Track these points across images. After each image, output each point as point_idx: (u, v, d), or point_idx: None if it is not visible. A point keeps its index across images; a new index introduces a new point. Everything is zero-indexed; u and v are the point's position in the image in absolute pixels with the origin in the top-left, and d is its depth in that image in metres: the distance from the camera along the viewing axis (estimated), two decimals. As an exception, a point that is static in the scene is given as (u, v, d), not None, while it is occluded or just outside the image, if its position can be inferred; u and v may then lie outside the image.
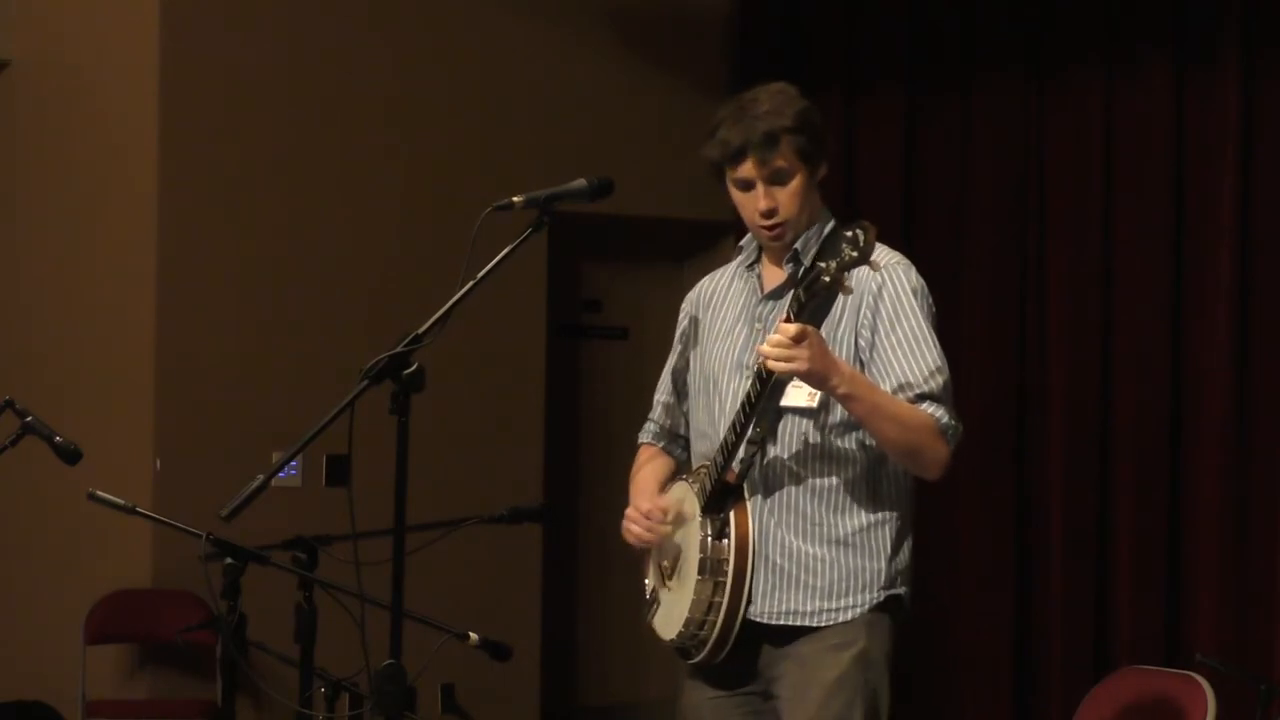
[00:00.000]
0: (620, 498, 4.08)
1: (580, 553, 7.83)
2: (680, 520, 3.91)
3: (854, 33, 7.57)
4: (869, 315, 3.78)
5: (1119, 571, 6.75)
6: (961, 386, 6.89)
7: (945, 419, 3.75)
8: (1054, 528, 6.89)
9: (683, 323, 4.09)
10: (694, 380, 4.01)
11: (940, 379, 3.76)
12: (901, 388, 3.74)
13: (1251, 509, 6.45)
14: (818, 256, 3.66)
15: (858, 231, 3.47)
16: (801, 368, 3.57)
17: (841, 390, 3.64)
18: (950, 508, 7.03)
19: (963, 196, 7.27)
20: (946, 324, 6.80)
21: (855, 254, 3.46)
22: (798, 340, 3.55)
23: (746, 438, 3.76)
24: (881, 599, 3.82)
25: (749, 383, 3.73)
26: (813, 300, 3.55)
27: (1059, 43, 7.05)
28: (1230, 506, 6.47)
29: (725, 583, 3.78)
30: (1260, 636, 6.35)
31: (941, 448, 3.75)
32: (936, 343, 3.79)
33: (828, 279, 3.47)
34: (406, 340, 3.44)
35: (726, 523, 3.80)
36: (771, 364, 3.59)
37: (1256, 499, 6.45)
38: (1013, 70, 7.14)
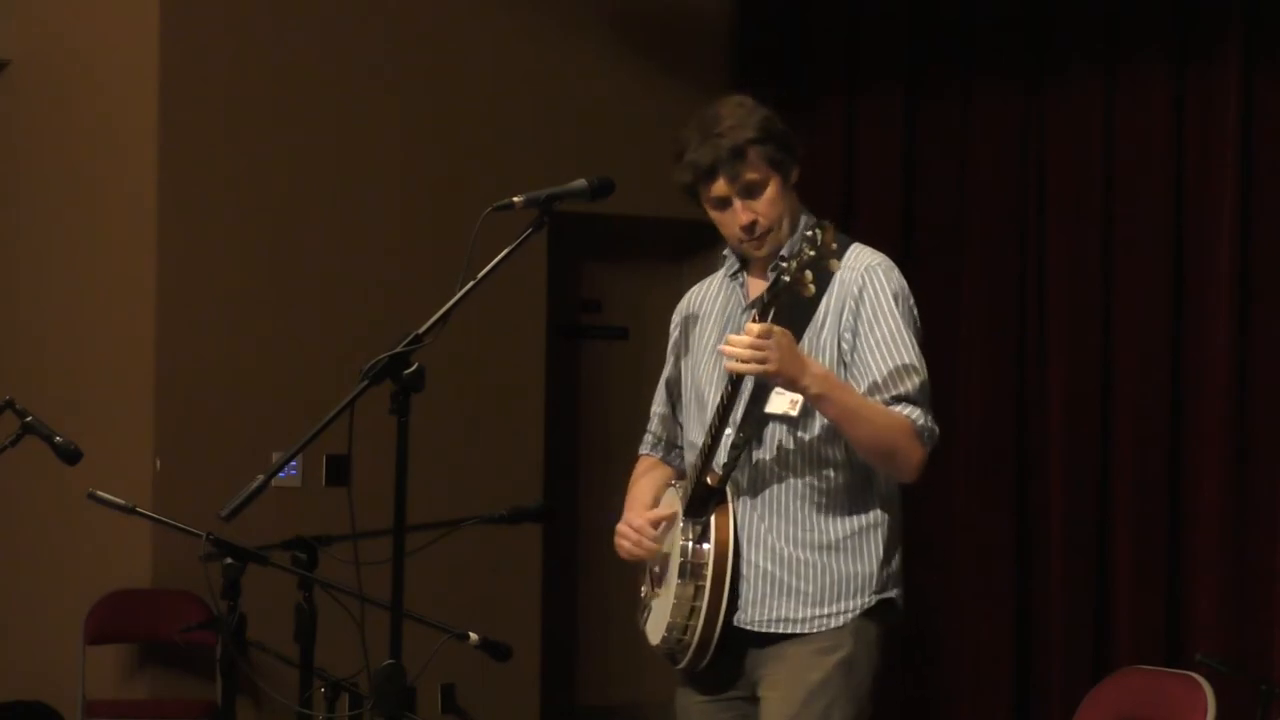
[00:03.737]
0: (620, 497, 4.09)
1: (580, 553, 7.82)
2: (671, 528, 3.91)
3: (854, 33, 7.56)
4: (850, 318, 3.77)
5: (1119, 571, 6.74)
6: (961, 387, 7.02)
7: (922, 421, 3.72)
8: (1054, 528, 6.89)
9: (673, 334, 4.09)
10: (685, 392, 4.00)
11: (916, 380, 3.74)
12: (877, 388, 3.72)
13: (1251, 509, 6.44)
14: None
15: (816, 230, 3.48)
16: (768, 367, 3.55)
17: (813, 391, 3.62)
18: (950, 508, 7.03)
19: (963, 197, 7.27)
20: (946, 324, 6.90)
21: (813, 252, 3.47)
22: (763, 337, 3.53)
23: (725, 442, 3.75)
24: (873, 603, 3.81)
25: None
26: (776, 301, 3.54)
27: (1059, 43, 7.04)
28: (1230, 506, 6.46)
29: (704, 586, 3.77)
30: (1260, 636, 6.35)
31: (917, 450, 3.73)
32: (915, 345, 3.77)
33: (788, 278, 3.48)
34: (406, 340, 3.45)
35: (707, 527, 3.78)
36: (733, 365, 3.58)
37: (1256, 499, 6.44)
38: (1013, 70, 7.14)
